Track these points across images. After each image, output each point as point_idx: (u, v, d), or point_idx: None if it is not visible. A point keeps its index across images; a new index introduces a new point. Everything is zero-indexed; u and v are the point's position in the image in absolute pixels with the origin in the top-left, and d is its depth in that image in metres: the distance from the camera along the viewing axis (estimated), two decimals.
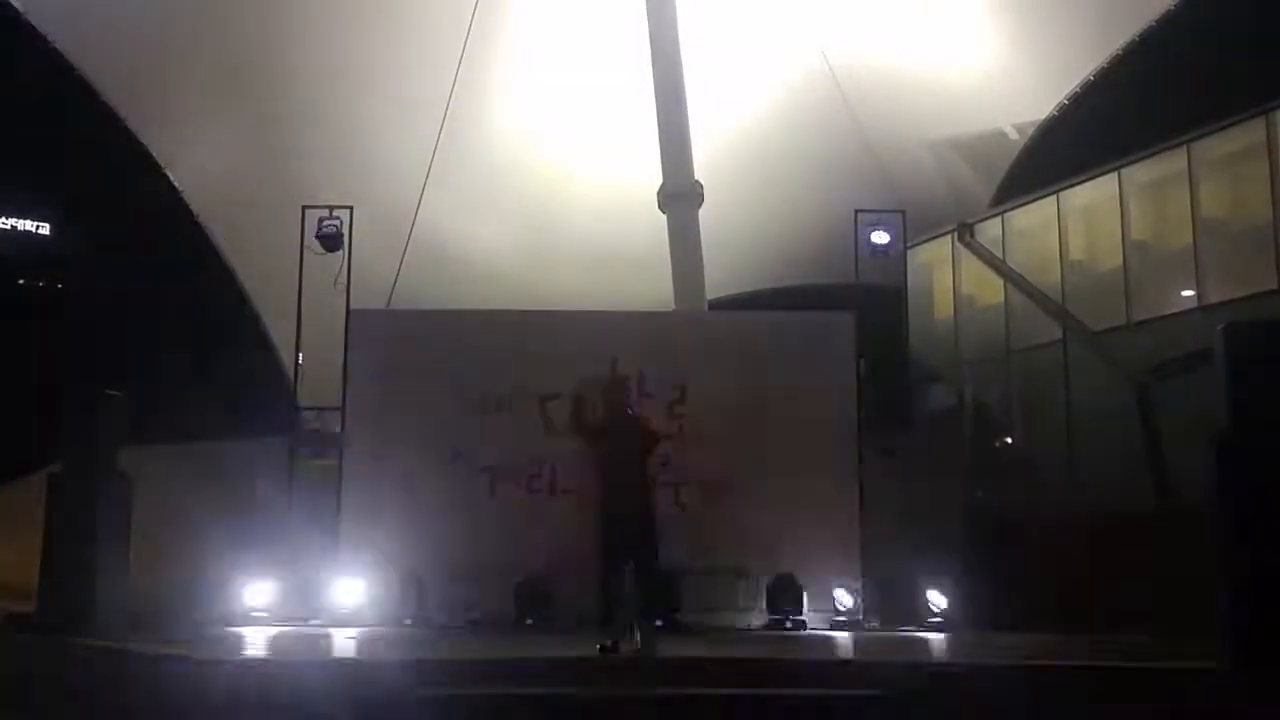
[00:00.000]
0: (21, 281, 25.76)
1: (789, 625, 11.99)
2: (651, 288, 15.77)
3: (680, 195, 15.21)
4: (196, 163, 16.64)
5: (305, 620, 12.11)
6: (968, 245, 16.44)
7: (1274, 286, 12.63)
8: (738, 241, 16.90)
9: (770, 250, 17.70)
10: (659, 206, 15.42)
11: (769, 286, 17.91)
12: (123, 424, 10.19)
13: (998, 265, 16.05)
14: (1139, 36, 15.44)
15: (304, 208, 13.38)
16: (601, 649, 8.14)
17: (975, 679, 7.33)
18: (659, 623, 11.54)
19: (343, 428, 12.79)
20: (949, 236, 16.79)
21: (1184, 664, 7.39)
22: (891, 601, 12.48)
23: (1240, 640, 7.14)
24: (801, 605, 12.15)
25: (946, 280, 17.13)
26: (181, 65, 16.21)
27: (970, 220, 16.65)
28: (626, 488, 8.58)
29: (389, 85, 16.63)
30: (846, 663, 8.90)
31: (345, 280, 13.15)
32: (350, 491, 12.65)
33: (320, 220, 13.27)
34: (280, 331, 15.53)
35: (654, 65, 15.52)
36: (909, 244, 14.74)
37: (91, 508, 9.68)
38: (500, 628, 11.74)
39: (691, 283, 15.09)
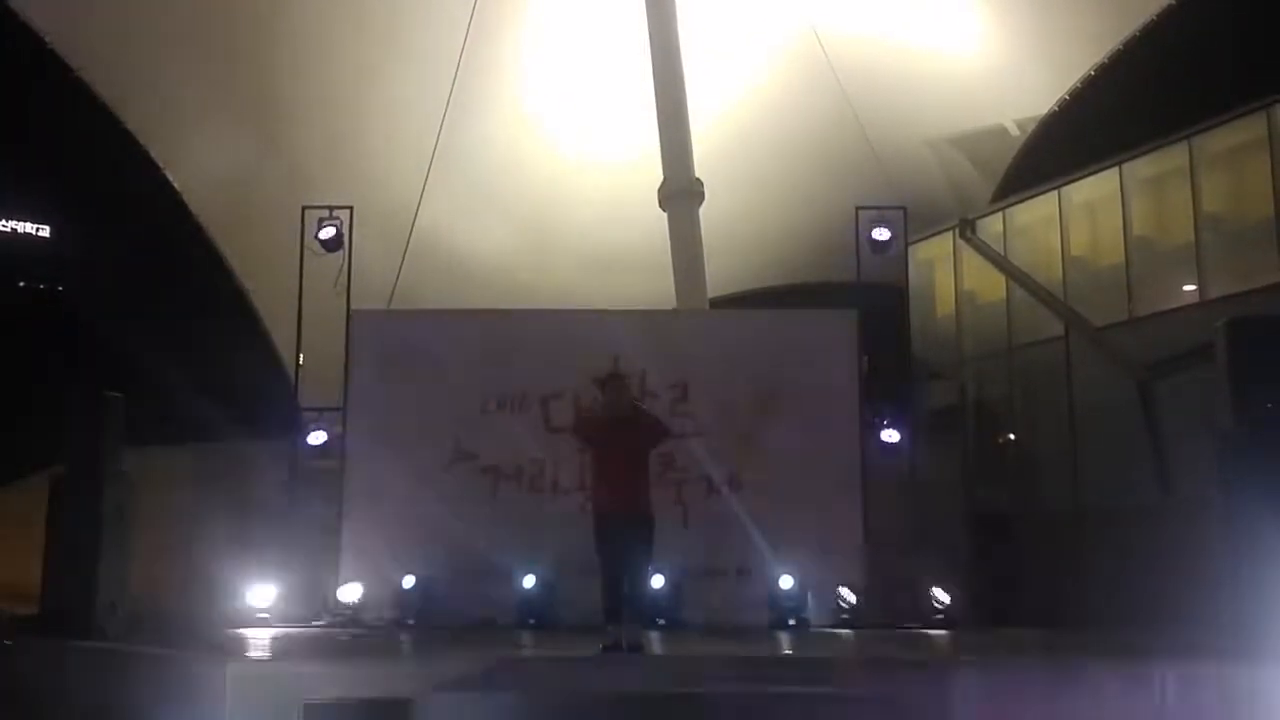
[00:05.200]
0: (22, 284, 25.76)
1: (792, 623, 11.98)
2: (653, 287, 15.75)
3: (681, 193, 15.19)
4: (196, 164, 16.63)
5: (308, 622, 12.10)
6: (969, 241, 16.42)
7: (1276, 281, 12.61)
8: (739, 239, 16.89)
9: (771, 248, 17.69)
10: (659, 205, 15.40)
11: (770, 284, 17.91)
12: (123, 426, 10.17)
13: (999, 261, 16.03)
14: (1139, 31, 15.42)
15: (304, 208, 13.36)
16: (605, 648, 8.12)
17: (980, 676, 7.31)
18: (660, 621, 11.63)
19: (344, 429, 12.78)
20: (950, 233, 16.78)
21: (1188, 658, 7.37)
22: (895, 599, 12.46)
23: (1244, 632, 7.14)
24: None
25: (948, 277, 17.11)
26: (180, 65, 16.19)
27: (971, 216, 16.63)
28: (626, 486, 8.53)
29: (389, 85, 16.62)
30: (850, 661, 8.89)
31: (345, 281, 13.13)
32: (352, 493, 12.64)
33: (320, 221, 13.26)
34: (281, 333, 15.52)
35: (653, 63, 15.50)
36: (910, 240, 14.73)
37: (93, 510, 9.66)
38: (504, 627, 11.74)
39: (693, 281, 15.07)
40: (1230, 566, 7.33)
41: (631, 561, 8.44)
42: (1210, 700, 6.85)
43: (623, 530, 8.36)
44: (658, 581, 12.02)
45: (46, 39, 15.55)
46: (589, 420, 9.24)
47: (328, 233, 13.20)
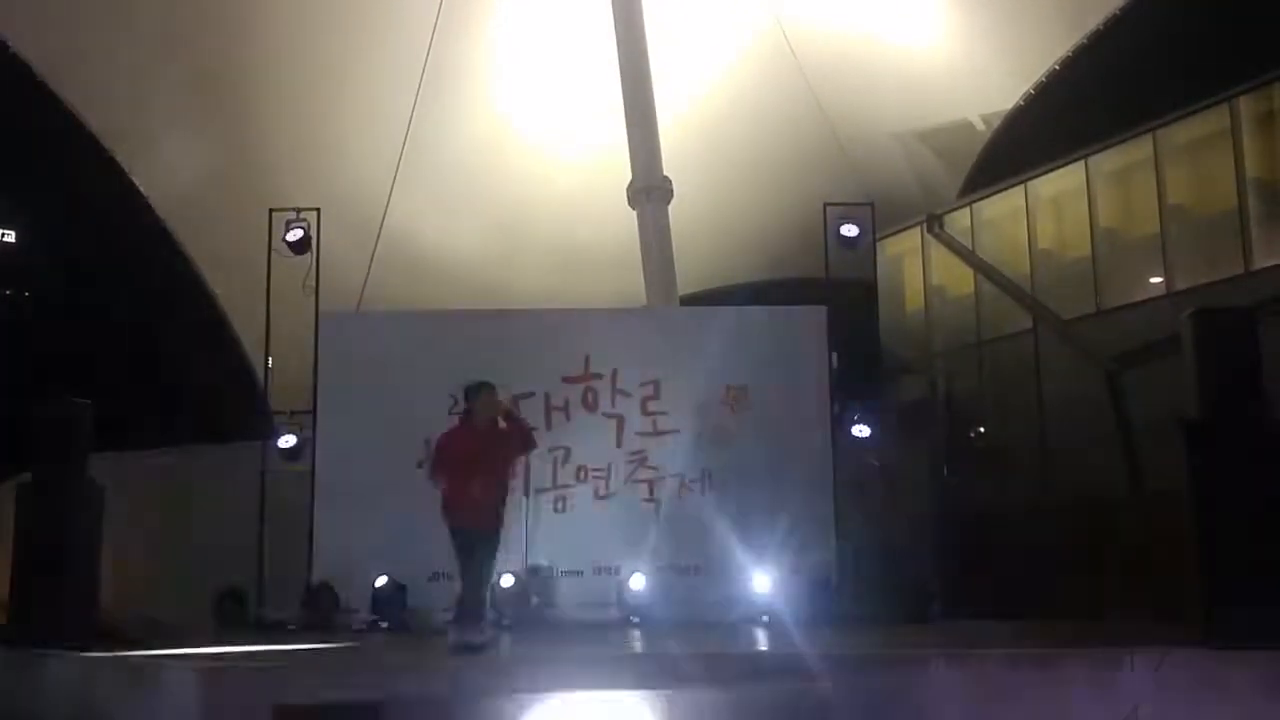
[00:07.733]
0: None
1: (766, 619, 12.01)
2: (623, 285, 15.75)
3: (649, 191, 15.18)
4: (161, 166, 16.48)
5: (279, 624, 12.03)
6: (937, 236, 16.50)
7: (1240, 271, 12.74)
8: (708, 236, 16.90)
9: (740, 244, 17.71)
10: (628, 203, 15.40)
11: (740, 281, 17.94)
12: (91, 431, 10.08)
13: (967, 256, 16.12)
14: (1103, 25, 15.52)
15: (271, 210, 13.28)
16: (471, 648, 8.07)
17: (953, 668, 7.34)
18: (634, 619, 11.66)
19: (314, 432, 12.71)
20: (918, 228, 16.85)
21: (1159, 645, 7.43)
22: (868, 593, 12.50)
23: (1213, 620, 7.21)
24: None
25: (917, 272, 17.19)
26: (146, 69, 16.05)
27: (939, 211, 16.71)
28: (488, 500, 8.39)
29: (357, 87, 16.53)
30: (825, 656, 8.90)
31: (314, 283, 13.06)
32: (323, 496, 12.56)
33: (287, 223, 13.17)
34: (250, 336, 15.42)
35: (620, 60, 15.49)
36: (878, 236, 14.78)
37: (61, 517, 9.57)
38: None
39: (663, 279, 15.07)
40: (1199, 553, 7.39)
41: (482, 566, 8.48)
42: (1181, 689, 6.91)
43: (479, 541, 8.35)
44: (637, 580, 12.06)
45: (8, 43, 15.37)
46: (447, 447, 8.55)
47: (295, 235, 13.12)
